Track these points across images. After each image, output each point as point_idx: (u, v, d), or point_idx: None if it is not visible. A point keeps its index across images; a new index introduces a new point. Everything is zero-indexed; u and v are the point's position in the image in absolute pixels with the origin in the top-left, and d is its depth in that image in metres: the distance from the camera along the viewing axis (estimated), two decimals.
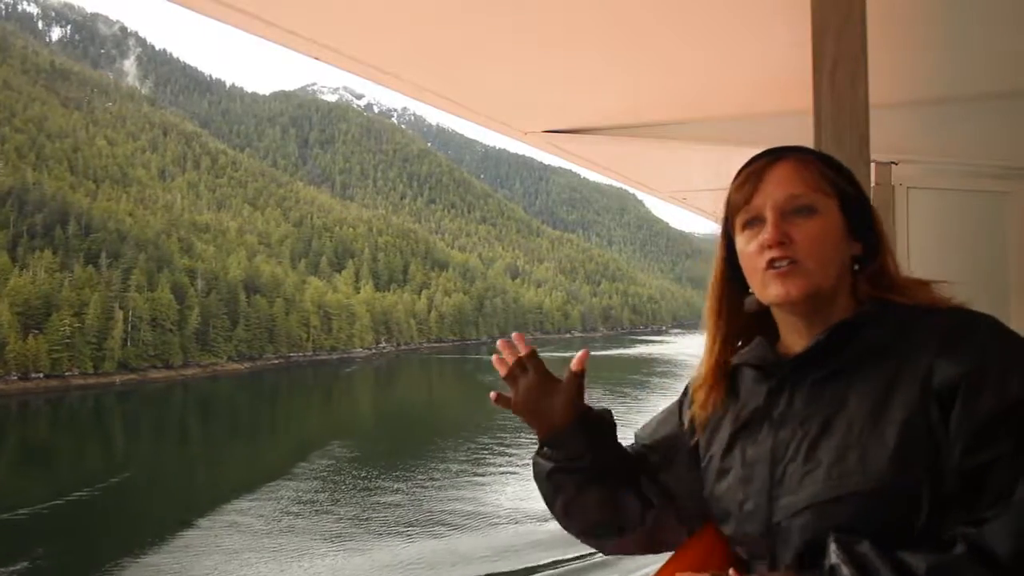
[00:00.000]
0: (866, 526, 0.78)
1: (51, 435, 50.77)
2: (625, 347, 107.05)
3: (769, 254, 0.88)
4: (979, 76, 2.17)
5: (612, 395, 55.08)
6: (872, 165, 1.56)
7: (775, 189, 0.90)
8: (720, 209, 0.99)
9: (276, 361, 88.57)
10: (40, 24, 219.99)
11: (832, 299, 0.89)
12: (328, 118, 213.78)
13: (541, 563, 19.40)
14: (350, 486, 31.35)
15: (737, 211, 0.93)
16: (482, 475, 32.41)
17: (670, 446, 1.04)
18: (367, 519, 26.45)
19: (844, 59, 1.33)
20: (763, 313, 0.97)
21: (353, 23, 1.79)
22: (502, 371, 1.04)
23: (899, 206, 2.51)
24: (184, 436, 49.25)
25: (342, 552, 22.66)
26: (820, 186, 0.90)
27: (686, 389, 1.05)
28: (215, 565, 21.75)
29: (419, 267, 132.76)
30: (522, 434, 41.17)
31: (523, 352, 1.03)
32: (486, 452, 36.27)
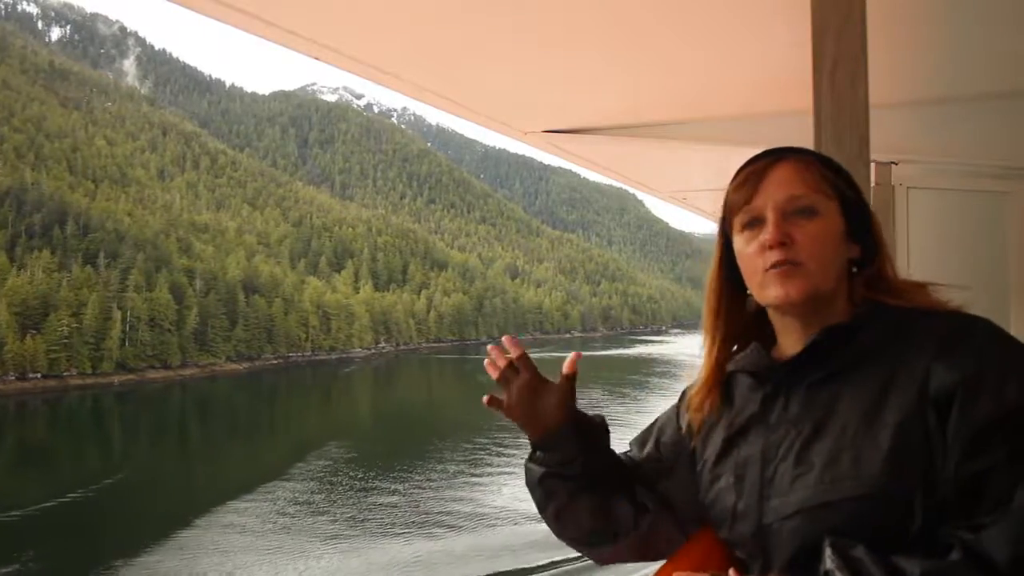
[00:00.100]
0: (858, 531, 0.77)
1: (48, 436, 50.67)
2: (625, 347, 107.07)
3: (771, 255, 0.87)
4: (979, 76, 2.17)
5: (611, 395, 55.05)
6: (872, 165, 1.56)
7: (776, 190, 0.89)
8: (718, 209, 0.98)
9: (275, 361, 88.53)
10: (40, 24, 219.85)
11: (830, 302, 0.89)
12: (328, 118, 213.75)
13: (538, 564, 19.38)
14: (347, 487, 31.29)
15: (737, 211, 0.92)
16: (480, 475, 32.36)
17: (670, 452, 1.04)
18: (363, 520, 26.40)
19: (844, 59, 1.33)
20: (761, 315, 0.96)
21: (353, 23, 1.79)
22: (494, 374, 1.03)
23: (899, 206, 2.51)
24: (182, 436, 49.23)
25: (338, 553, 22.60)
26: (821, 188, 0.89)
27: (683, 394, 1.05)
28: (210, 566, 21.68)
29: (418, 267, 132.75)
30: (520, 435, 41.05)
31: (514, 355, 1.02)
32: (484, 452, 36.23)
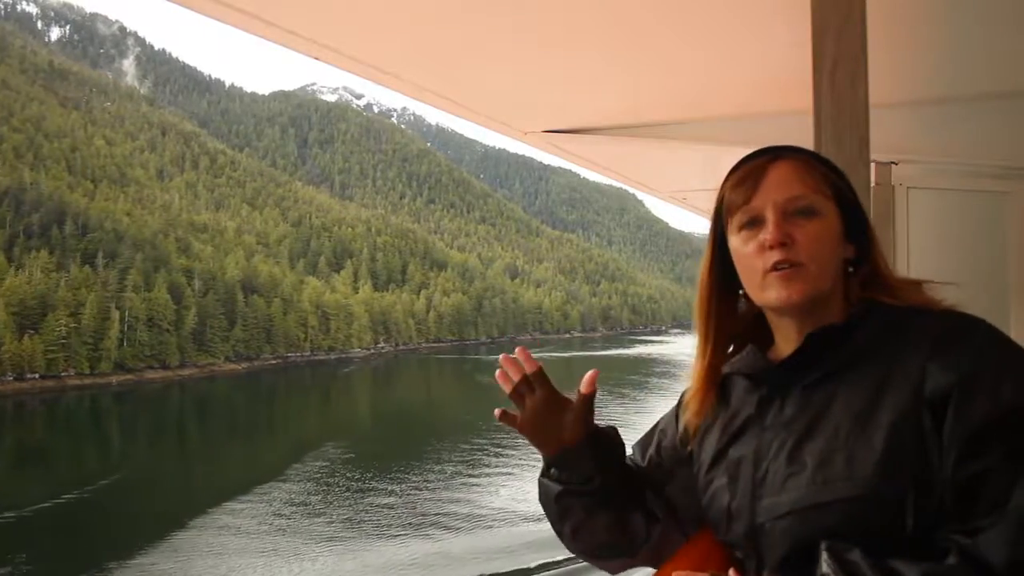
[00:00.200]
0: (851, 532, 0.77)
1: (45, 436, 50.46)
2: (624, 347, 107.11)
3: (772, 256, 0.86)
4: (979, 76, 2.17)
5: (611, 395, 55.01)
6: (872, 165, 1.56)
7: (776, 189, 0.88)
8: (711, 207, 0.97)
9: (274, 361, 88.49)
10: (39, 24, 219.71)
11: (827, 302, 0.89)
12: (327, 118, 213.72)
13: (535, 564, 19.35)
14: (343, 488, 31.12)
15: (735, 210, 0.91)
16: (477, 476, 32.23)
17: (670, 455, 1.04)
18: (360, 521, 26.24)
19: (844, 59, 1.33)
20: (757, 316, 0.96)
21: (353, 23, 1.79)
22: (506, 387, 1.00)
23: (899, 206, 2.51)
24: (179, 437, 49.11)
25: (333, 555, 22.46)
26: (820, 188, 0.89)
27: (682, 396, 1.04)
28: (204, 568, 21.52)
29: (418, 267, 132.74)
30: (518, 435, 40.96)
31: (529, 370, 1.00)
32: (481, 453, 36.07)
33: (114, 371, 73.16)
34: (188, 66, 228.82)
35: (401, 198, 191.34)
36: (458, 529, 24.37)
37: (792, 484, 0.83)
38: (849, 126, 1.33)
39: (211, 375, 79.01)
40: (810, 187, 0.88)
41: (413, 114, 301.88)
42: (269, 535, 24.60)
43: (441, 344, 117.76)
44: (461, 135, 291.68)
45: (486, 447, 36.92)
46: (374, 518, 26.57)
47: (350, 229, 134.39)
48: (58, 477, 34.25)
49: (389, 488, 30.86)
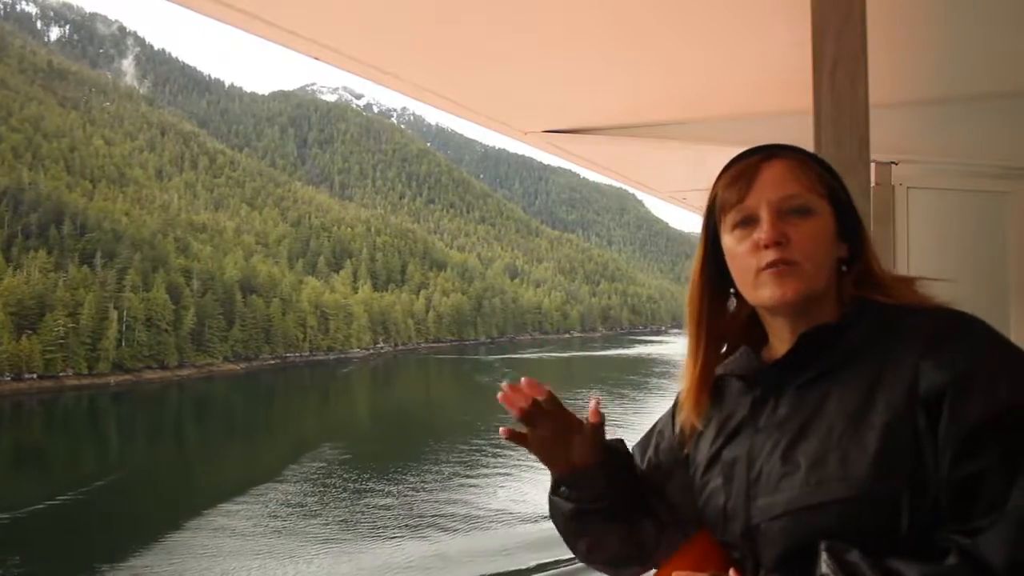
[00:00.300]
0: (846, 533, 0.77)
1: (42, 437, 50.36)
2: (624, 347, 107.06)
3: (767, 255, 0.86)
4: (979, 76, 2.17)
5: (610, 396, 54.98)
6: (872, 165, 1.56)
7: (771, 188, 0.88)
8: (704, 206, 0.97)
9: (272, 362, 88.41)
10: (39, 24, 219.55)
11: (820, 302, 0.88)
12: (327, 118, 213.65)
13: (533, 565, 19.31)
14: (340, 489, 30.97)
15: (728, 209, 0.90)
16: (475, 477, 32.12)
17: (668, 457, 1.04)
18: (356, 523, 26.11)
19: (844, 59, 1.34)
20: (750, 316, 0.95)
21: (353, 23, 1.79)
22: (514, 412, 0.98)
23: (899, 206, 2.51)
24: (176, 437, 48.91)
25: (329, 556, 22.34)
26: (815, 187, 0.89)
27: (677, 398, 1.04)
28: (198, 571, 21.39)
29: (417, 267, 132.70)
30: None
31: (541, 396, 0.98)
32: (479, 454, 35.99)
33: (112, 371, 73.06)
34: (187, 66, 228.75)
35: (401, 198, 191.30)
36: (455, 530, 24.22)
37: (786, 484, 0.83)
38: (849, 126, 1.33)
39: (209, 375, 78.93)
40: (804, 186, 0.88)
41: (413, 114, 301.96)
42: (264, 537, 24.45)
43: (440, 344, 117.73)
44: (461, 135, 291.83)
45: (484, 448, 36.85)
46: (371, 519, 26.44)
47: (349, 229, 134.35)
48: (54, 478, 34.13)
49: (386, 489, 30.72)
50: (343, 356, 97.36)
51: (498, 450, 36.03)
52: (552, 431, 0.98)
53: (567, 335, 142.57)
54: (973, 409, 0.75)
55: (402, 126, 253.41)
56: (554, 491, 1.01)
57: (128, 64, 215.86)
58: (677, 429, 1.02)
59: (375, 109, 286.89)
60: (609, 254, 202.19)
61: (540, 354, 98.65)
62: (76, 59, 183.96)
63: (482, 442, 37.91)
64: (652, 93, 2.44)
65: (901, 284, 0.90)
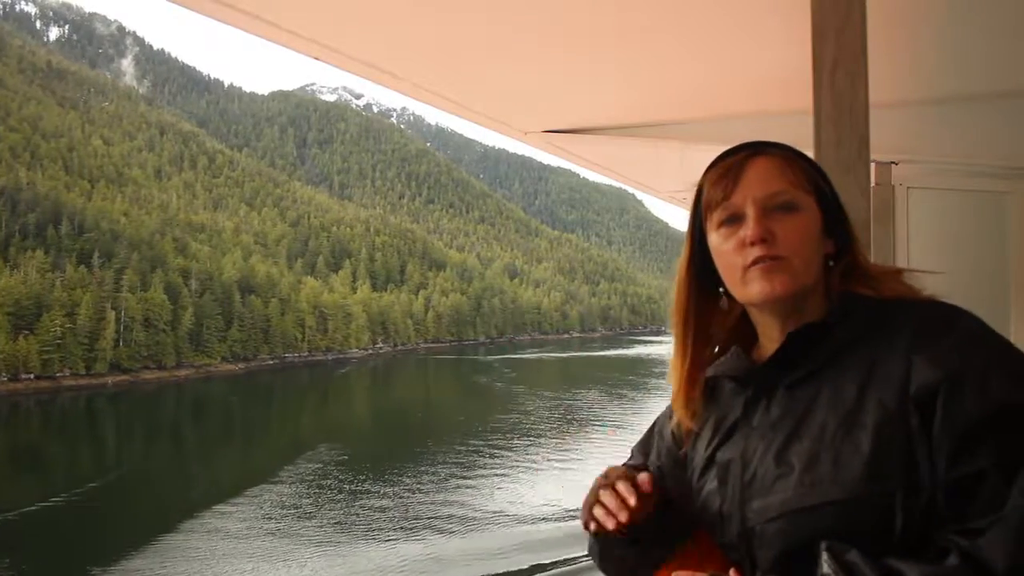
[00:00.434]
0: (841, 535, 0.76)
1: (38, 438, 50.13)
2: (624, 347, 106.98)
3: (752, 252, 0.86)
4: (979, 76, 2.17)
5: (610, 396, 55.01)
6: (872, 165, 1.56)
7: (756, 185, 0.88)
8: (689, 204, 0.96)
9: (271, 362, 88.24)
10: (38, 24, 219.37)
11: (809, 298, 0.88)
12: (327, 118, 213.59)
13: (528, 566, 19.20)
14: (336, 490, 30.76)
15: (714, 207, 0.90)
16: (472, 478, 31.90)
17: (667, 458, 1.03)
18: (351, 524, 25.93)
19: (844, 59, 1.33)
20: (741, 317, 0.95)
21: (353, 23, 1.79)
22: (610, 525, 0.91)
23: (899, 206, 2.51)
24: (173, 438, 48.62)
25: (324, 558, 22.21)
26: (800, 183, 0.88)
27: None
28: (190, 573, 21.27)
29: (416, 267, 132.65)
30: (513, 436, 40.94)
31: (648, 489, 0.92)
32: (476, 455, 35.81)
33: (109, 372, 72.85)
34: (187, 66, 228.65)
35: (400, 198, 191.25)
36: (452, 532, 24.07)
37: (780, 486, 0.82)
38: (849, 126, 1.33)
39: (207, 376, 78.77)
40: (790, 182, 0.88)
41: (412, 114, 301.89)
42: (258, 539, 24.23)
43: (439, 344, 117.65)
44: (460, 135, 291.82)
45: (481, 448, 36.76)
46: (366, 521, 26.25)
47: (348, 229, 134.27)
48: (48, 479, 33.94)
49: (382, 490, 30.48)
50: (342, 356, 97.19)
51: (495, 451, 35.96)
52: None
53: (566, 335, 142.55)
54: (967, 408, 0.74)
55: (402, 126, 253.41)
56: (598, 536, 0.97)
57: (127, 64, 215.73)
58: (673, 428, 1.02)
59: (375, 109, 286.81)
60: (609, 254, 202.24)
61: (539, 354, 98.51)
62: (75, 59, 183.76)
63: (479, 443, 37.84)
64: (652, 93, 2.44)
65: (889, 276, 0.89)
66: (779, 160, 0.89)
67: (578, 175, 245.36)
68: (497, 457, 34.70)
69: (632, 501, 0.90)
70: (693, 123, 2.60)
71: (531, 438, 39.13)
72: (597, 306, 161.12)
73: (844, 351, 0.84)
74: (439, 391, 73.73)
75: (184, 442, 47.43)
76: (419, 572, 20.59)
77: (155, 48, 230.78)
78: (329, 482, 32.09)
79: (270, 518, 26.71)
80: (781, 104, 2.14)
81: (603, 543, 0.98)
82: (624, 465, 1.04)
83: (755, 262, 0.85)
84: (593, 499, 0.95)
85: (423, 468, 34.06)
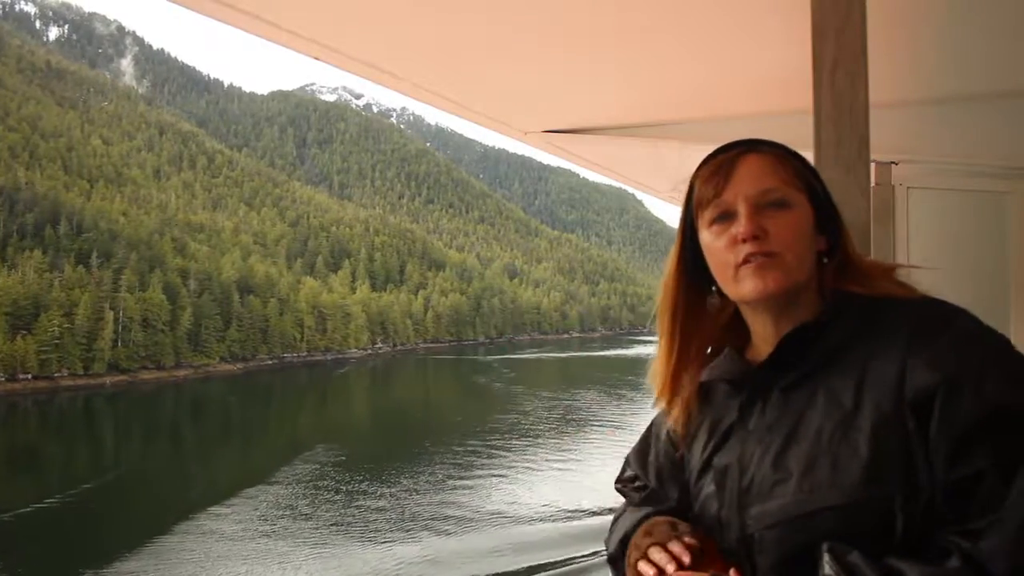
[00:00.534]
0: (841, 538, 0.76)
1: (36, 438, 50.05)
2: (623, 348, 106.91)
3: (744, 248, 0.85)
4: (979, 76, 2.17)
5: (609, 396, 55.03)
6: (872, 165, 1.56)
7: (748, 183, 0.87)
8: (680, 201, 0.96)
9: (270, 362, 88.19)
10: (37, 23, 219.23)
11: (801, 296, 0.87)
12: (326, 118, 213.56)
13: (525, 567, 19.15)
14: (333, 491, 30.65)
15: (705, 205, 0.90)
16: (469, 479, 31.83)
17: (667, 461, 1.03)
18: (348, 525, 25.85)
19: (844, 59, 1.33)
20: (733, 317, 0.94)
21: (353, 23, 1.79)
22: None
23: (899, 206, 2.51)
24: (171, 439, 48.51)
25: (320, 560, 22.13)
26: (792, 180, 0.88)
27: None
28: (187, 575, 21.22)
29: (416, 267, 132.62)
30: (511, 436, 40.96)
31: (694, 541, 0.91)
32: (474, 455, 35.73)
33: (108, 372, 72.79)
34: (186, 66, 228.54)
35: (400, 198, 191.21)
36: (449, 533, 24.00)
37: (779, 492, 0.82)
38: (849, 126, 1.33)
39: (206, 376, 78.70)
40: (782, 179, 0.87)
41: (412, 114, 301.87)
42: (254, 540, 24.12)
43: (439, 344, 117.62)
44: (460, 135, 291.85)
45: (479, 448, 36.67)
46: (363, 522, 26.17)
47: (348, 229, 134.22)
48: (45, 480, 33.81)
49: (380, 491, 30.40)
50: (341, 356, 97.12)
51: (493, 451, 35.89)
52: None
53: (566, 335, 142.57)
54: (964, 410, 0.74)
55: (401, 126, 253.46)
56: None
57: (127, 64, 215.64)
58: (669, 431, 1.01)
59: (374, 109, 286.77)
60: (608, 254, 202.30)
61: (539, 354, 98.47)
62: (74, 59, 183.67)
63: (478, 443, 37.76)
64: (652, 93, 2.44)
65: (881, 273, 0.89)
66: (770, 157, 0.89)
67: (578, 175, 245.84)
68: (495, 457, 34.64)
69: (686, 560, 0.87)
70: (693, 123, 2.59)
71: (530, 439, 39.10)
72: (597, 306, 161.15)
73: (838, 352, 0.83)
74: (438, 391, 73.68)
75: (182, 442, 47.34)
76: (415, 574, 20.51)
77: (154, 48, 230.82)
78: (326, 483, 31.99)
79: (266, 519, 26.62)
80: (781, 104, 2.13)
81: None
82: (666, 519, 0.96)
83: (747, 259, 0.85)
84: (638, 555, 0.91)
85: (421, 469, 33.97)
